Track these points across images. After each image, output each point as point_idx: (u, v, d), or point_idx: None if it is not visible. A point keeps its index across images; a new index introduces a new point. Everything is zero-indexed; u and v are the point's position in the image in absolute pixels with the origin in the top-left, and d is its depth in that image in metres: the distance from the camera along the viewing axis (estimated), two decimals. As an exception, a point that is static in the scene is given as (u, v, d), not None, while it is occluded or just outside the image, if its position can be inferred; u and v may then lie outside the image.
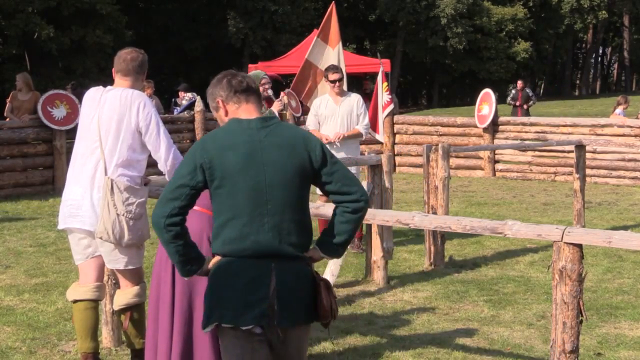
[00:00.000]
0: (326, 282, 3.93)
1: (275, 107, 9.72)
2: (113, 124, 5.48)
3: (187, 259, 3.81)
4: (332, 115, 9.85)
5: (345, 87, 10.42)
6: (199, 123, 17.23)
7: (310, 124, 10.06)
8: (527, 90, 24.06)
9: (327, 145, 9.79)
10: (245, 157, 3.76)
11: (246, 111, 3.92)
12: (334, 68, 10.03)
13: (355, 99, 9.99)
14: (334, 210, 3.93)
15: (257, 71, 10.41)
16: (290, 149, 3.81)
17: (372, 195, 8.37)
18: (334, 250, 3.97)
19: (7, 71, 32.76)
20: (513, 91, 24.79)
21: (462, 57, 47.53)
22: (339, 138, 9.74)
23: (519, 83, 24.76)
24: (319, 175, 3.86)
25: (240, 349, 3.78)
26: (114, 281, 6.15)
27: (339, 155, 9.65)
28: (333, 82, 9.89)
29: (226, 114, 3.96)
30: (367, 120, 9.97)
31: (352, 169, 9.69)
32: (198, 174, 3.76)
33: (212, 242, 3.90)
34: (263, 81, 9.87)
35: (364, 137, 10.05)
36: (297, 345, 3.88)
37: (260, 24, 42.46)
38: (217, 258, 3.85)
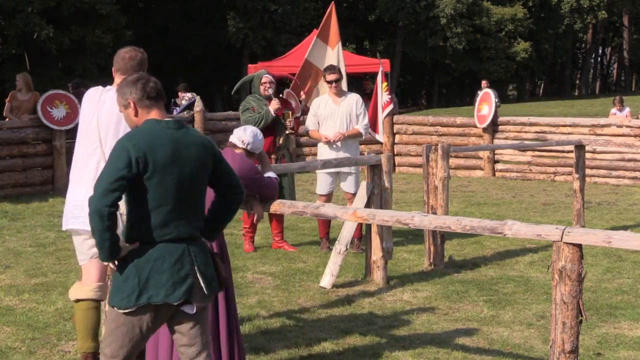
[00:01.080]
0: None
1: (272, 106, 9.66)
2: (112, 125, 5.48)
3: (114, 246, 4.27)
4: (332, 115, 9.84)
5: (345, 87, 10.40)
6: (199, 123, 17.21)
7: (309, 124, 10.05)
8: (491, 92, 22.57)
9: (327, 145, 9.84)
10: (172, 152, 4.29)
11: (157, 115, 4.41)
12: (332, 68, 10.00)
13: (355, 98, 9.97)
14: (217, 201, 4.60)
15: (261, 70, 10.39)
16: (202, 147, 4.43)
17: (372, 195, 8.37)
18: (214, 236, 4.67)
19: (7, 71, 32.73)
20: (480, 93, 22.24)
21: (462, 57, 47.56)
22: (338, 138, 9.74)
23: (484, 83, 23.10)
24: (217, 170, 4.53)
25: (152, 322, 4.36)
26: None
27: (339, 155, 9.64)
28: (330, 82, 9.89)
29: (136, 114, 4.42)
30: (366, 120, 9.96)
31: (352, 169, 9.69)
32: (134, 167, 4.20)
33: (128, 229, 4.35)
34: (264, 79, 9.86)
35: (363, 137, 10.04)
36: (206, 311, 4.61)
37: (260, 24, 42.48)
38: (133, 245, 4.32)
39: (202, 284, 4.34)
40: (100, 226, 4.18)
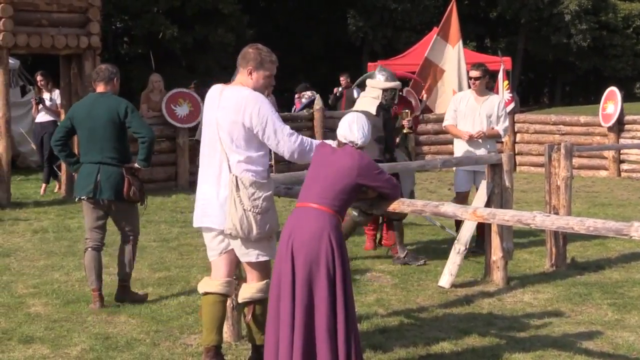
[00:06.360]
0: (130, 175, 7.47)
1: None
2: (230, 124, 5.53)
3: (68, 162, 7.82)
4: (472, 114, 9.72)
5: (465, 86, 10.30)
6: (318, 121, 17.32)
7: (448, 118, 9.95)
8: (354, 90, 19.16)
9: (466, 143, 9.69)
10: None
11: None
12: (477, 66, 9.95)
13: (497, 100, 9.87)
14: None
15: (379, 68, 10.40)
16: (108, 108, 7.49)
17: (492, 194, 8.26)
18: (142, 164, 7.57)
19: (134, 70, 33.64)
20: (340, 88, 19.88)
21: (587, 54, 46.41)
22: (479, 135, 9.61)
23: (342, 79, 19.87)
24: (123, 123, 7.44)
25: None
26: (234, 277, 6.25)
27: (479, 151, 9.53)
28: (470, 79, 9.87)
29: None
30: (507, 123, 9.81)
31: (477, 168, 9.50)
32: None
33: None
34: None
35: (502, 139, 9.95)
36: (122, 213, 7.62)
37: (380, 22, 42.45)
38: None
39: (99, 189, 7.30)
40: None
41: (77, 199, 7.63)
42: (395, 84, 9.27)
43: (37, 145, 15.12)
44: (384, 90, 9.15)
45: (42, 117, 14.69)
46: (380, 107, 9.11)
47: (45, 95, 14.70)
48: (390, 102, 9.29)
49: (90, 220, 7.60)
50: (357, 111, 9.13)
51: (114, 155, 7.45)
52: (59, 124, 14.75)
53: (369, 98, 9.19)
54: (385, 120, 9.16)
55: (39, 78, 14.90)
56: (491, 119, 9.73)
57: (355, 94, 19.66)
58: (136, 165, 7.57)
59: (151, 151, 7.64)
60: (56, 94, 14.76)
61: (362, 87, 10.12)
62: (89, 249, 7.58)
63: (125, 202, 7.55)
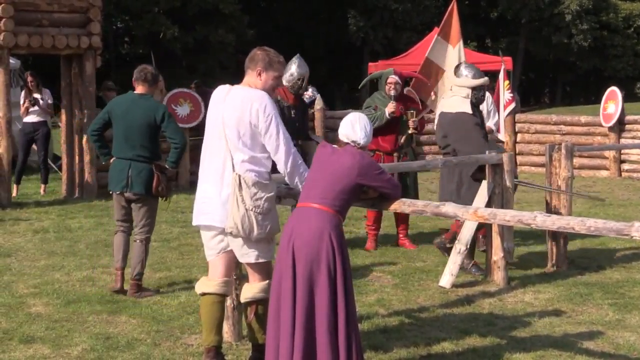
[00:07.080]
0: (159, 171, 7.88)
1: (389, 109, 9.60)
2: (236, 123, 5.54)
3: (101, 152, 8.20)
4: None
5: None
6: (319, 121, 17.31)
7: None
8: (311, 89, 19.77)
9: None
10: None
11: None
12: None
13: (485, 96, 9.84)
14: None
15: (389, 69, 10.34)
16: (146, 110, 7.95)
17: (493, 194, 8.26)
18: (171, 165, 8.08)
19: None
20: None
21: (587, 54, 46.42)
22: None
23: None
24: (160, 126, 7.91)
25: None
26: (235, 277, 6.25)
27: None
28: None
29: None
30: (497, 118, 9.80)
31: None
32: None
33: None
34: (389, 80, 9.77)
35: (494, 134, 9.92)
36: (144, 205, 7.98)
37: (380, 23, 42.48)
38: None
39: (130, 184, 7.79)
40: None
41: (110, 192, 8.16)
42: (484, 80, 8.94)
43: (22, 145, 15.01)
44: (473, 89, 8.85)
45: (35, 117, 14.64)
46: (472, 105, 8.82)
47: (37, 96, 14.67)
48: (481, 99, 8.96)
49: (122, 212, 8.09)
50: (449, 113, 8.96)
51: (144, 153, 7.88)
52: (59, 124, 14.82)
53: (459, 98, 8.84)
54: (481, 118, 8.96)
55: (29, 79, 14.82)
56: (482, 115, 9.71)
57: (312, 93, 19.70)
58: (166, 165, 8.08)
59: (182, 155, 8.17)
60: (47, 94, 14.74)
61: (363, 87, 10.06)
62: (119, 231, 8.11)
63: (152, 196, 7.95)
